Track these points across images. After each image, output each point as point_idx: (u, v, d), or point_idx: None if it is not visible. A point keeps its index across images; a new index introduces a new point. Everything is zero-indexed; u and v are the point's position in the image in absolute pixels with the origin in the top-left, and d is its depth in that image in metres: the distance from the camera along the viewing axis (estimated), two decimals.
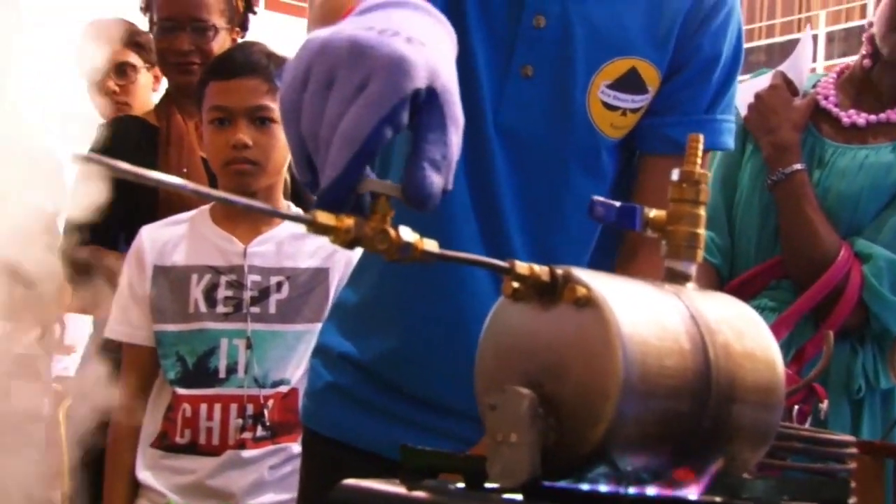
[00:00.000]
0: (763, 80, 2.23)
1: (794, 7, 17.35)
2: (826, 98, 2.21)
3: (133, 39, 3.59)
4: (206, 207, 2.41)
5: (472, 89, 1.55)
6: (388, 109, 0.87)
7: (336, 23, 0.97)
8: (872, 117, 2.18)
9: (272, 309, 2.36)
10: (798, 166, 2.11)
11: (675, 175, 1.00)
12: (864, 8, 16.11)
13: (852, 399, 2.12)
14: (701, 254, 1.00)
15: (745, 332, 0.96)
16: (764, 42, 17.02)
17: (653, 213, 1.00)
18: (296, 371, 2.36)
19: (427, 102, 0.91)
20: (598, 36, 1.57)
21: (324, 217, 0.83)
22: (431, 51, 0.93)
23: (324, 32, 0.92)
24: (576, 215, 1.61)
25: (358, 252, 1.60)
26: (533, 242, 1.61)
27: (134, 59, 3.62)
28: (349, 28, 0.92)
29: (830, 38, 14.90)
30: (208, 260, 2.36)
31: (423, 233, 0.88)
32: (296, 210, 2.41)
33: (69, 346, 4.84)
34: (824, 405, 1.89)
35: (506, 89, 1.59)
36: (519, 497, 0.91)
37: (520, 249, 1.58)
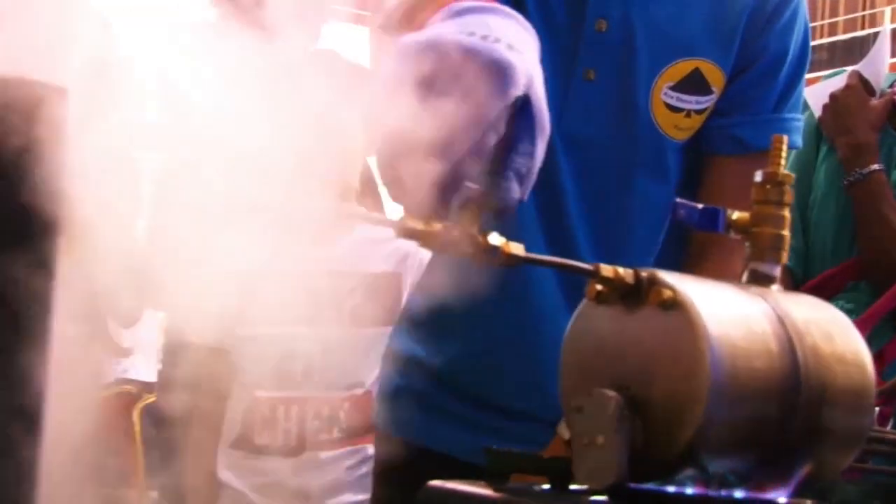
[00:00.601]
0: (838, 81, 2.20)
1: (858, 4, 17.12)
2: None
3: None
4: None
5: None
6: (494, 114, 0.87)
7: (420, 26, 0.97)
8: None
9: (346, 312, 2.37)
10: (876, 166, 2.08)
11: (758, 176, 0.98)
12: None
13: None
14: (786, 255, 0.98)
15: (834, 335, 0.94)
16: (826, 40, 16.82)
17: (735, 214, 0.99)
18: (370, 374, 2.36)
19: (520, 110, 0.91)
20: (660, 38, 1.56)
21: (413, 222, 0.83)
22: (528, 59, 0.92)
23: (422, 36, 0.91)
24: (642, 218, 1.60)
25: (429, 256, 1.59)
26: (599, 246, 1.60)
27: None
28: (450, 32, 0.92)
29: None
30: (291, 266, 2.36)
31: None
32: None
33: (126, 348, 4.82)
34: None
35: (569, 94, 1.58)
36: (605, 499, 0.90)
37: (586, 253, 1.57)
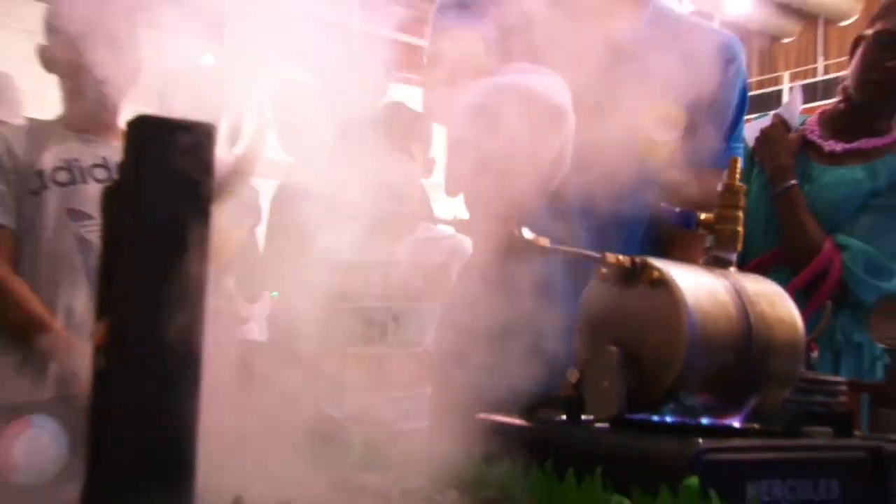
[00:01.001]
0: (765, 121, 2.18)
1: (764, 69, 17.34)
2: (812, 132, 2.14)
3: None
4: None
5: None
6: (551, 148, 0.84)
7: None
8: (847, 146, 2.11)
9: (410, 291, 2.34)
10: (793, 182, 2.06)
11: (720, 187, 0.95)
12: (815, 70, 16.11)
13: (833, 350, 2.05)
14: (740, 245, 0.96)
15: (775, 303, 0.91)
16: None
17: (703, 215, 0.96)
18: (427, 336, 2.32)
19: None
20: None
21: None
22: (569, 108, 0.90)
23: (500, 80, 0.88)
24: (628, 221, 1.56)
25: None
26: (596, 239, 1.56)
27: None
28: (516, 80, 0.88)
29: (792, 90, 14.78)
30: (369, 258, 2.34)
31: None
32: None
33: (245, 317, 4.69)
34: (814, 354, 1.83)
35: None
36: (607, 426, 0.88)
37: (587, 244, 1.53)
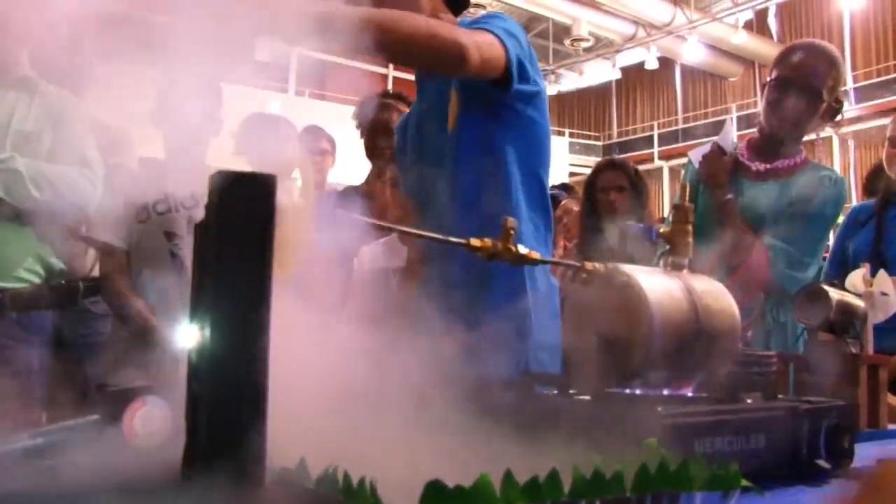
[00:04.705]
0: (706, 147, 2.17)
1: (717, 101, 17.87)
2: (742, 155, 2.11)
3: None
4: (395, 234, 2.35)
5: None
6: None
7: None
8: (767, 166, 2.09)
9: None
10: (730, 196, 2.04)
11: (675, 207, 0.94)
12: (756, 102, 16.69)
13: (765, 329, 2.03)
14: (691, 252, 0.94)
15: (718, 298, 0.90)
16: (701, 122, 17.68)
17: (662, 229, 0.95)
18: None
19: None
20: None
21: (475, 241, 0.80)
22: None
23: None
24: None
25: None
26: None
27: None
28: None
29: (740, 119, 14.89)
30: (398, 262, 2.32)
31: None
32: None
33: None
34: (749, 333, 1.81)
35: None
36: (588, 398, 0.87)
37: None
